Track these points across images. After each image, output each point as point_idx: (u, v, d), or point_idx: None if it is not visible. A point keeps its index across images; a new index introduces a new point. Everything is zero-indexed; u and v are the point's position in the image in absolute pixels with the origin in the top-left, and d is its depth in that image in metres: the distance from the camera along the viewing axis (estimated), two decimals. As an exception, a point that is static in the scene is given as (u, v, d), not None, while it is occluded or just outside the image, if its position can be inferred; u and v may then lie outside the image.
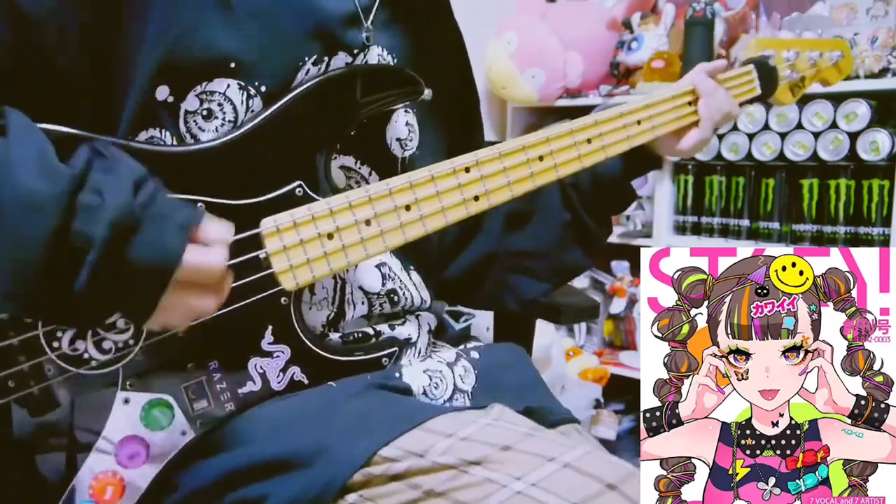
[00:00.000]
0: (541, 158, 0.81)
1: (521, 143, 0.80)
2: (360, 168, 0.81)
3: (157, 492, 0.66)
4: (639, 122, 0.90)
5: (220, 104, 0.70)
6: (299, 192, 0.72)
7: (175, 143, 0.70)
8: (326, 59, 0.76)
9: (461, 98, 0.95)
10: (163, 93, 0.69)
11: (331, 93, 0.74)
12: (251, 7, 0.71)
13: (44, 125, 0.61)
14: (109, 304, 0.59)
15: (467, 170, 0.76)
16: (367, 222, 0.71)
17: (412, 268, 0.87)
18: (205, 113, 0.70)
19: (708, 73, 0.97)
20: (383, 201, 0.72)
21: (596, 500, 0.58)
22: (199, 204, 0.67)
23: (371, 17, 0.80)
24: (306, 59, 0.74)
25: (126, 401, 0.65)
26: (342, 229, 0.70)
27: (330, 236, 0.70)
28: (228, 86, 0.70)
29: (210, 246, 0.62)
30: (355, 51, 0.78)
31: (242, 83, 0.71)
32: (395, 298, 0.82)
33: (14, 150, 0.57)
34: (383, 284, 0.81)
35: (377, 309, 0.81)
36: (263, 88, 0.72)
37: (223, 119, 0.71)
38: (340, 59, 0.77)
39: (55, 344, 0.63)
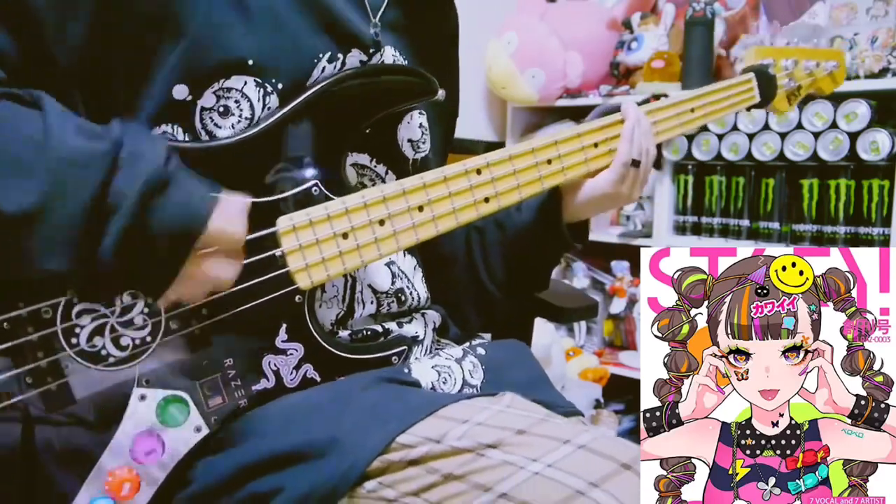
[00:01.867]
0: (549, 162, 0.82)
1: (529, 146, 0.81)
2: (375, 166, 0.82)
3: (173, 487, 0.67)
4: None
5: (237, 101, 0.71)
6: (315, 190, 0.72)
7: (189, 139, 0.71)
8: (341, 56, 0.76)
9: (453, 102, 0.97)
10: (181, 90, 0.69)
11: (346, 91, 0.74)
12: (266, 6, 0.71)
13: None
14: (134, 268, 0.60)
15: (479, 171, 0.77)
16: (381, 222, 0.72)
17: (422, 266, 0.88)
18: (221, 110, 0.71)
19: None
20: (397, 201, 0.73)
21: (612, 478, 0.59)
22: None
23: (379, 15, 0.81)
24: (321, 56, 0.74)
25: (142, 397, 0.65)
26: (357, 229, 0.71)
27: (345, 235, 0.71)
28: (245, 83, 0.71)
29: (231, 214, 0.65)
30: (370, 49, 0.78)
31: (259, 80, 0.71)
32: (403, 298, 0.83)
33: (54, 118, 0.60)
34: (392, 283, 0.82)
35: (385, 308, 0.82)
36: (280, 86, 0.72)
37: (240, 116, 0.71)
38: (355, 57, 0.77)
39: (73, 340, 0.63)
